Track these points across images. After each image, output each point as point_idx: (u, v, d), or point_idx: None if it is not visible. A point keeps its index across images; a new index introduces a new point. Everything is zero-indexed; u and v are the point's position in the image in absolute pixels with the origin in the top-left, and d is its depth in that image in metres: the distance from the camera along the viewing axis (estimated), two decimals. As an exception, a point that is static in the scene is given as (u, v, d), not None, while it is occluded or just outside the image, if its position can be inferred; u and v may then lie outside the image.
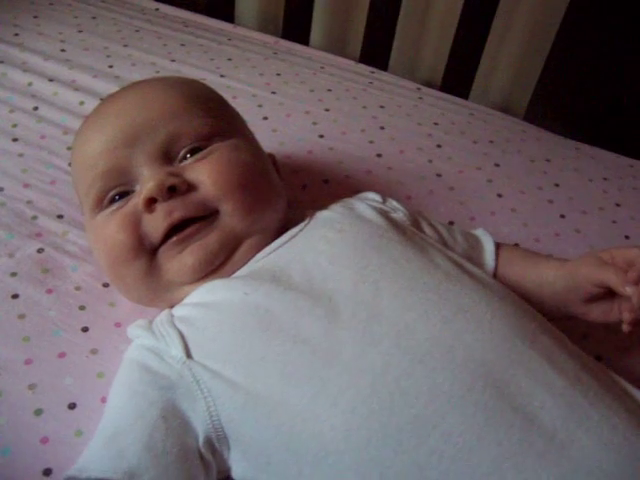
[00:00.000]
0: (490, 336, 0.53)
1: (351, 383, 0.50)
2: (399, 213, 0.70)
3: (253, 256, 0.63)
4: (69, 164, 0.86)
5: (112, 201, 0.63)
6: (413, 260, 0.59)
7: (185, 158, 0.63)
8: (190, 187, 0.61)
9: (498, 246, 0.72)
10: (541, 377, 0.51)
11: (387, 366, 0.51)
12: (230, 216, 0.62)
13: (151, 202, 0.60)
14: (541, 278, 0.68)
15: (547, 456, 0.47)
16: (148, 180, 0.61)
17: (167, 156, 0.63)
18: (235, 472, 0.55)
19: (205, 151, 0.63)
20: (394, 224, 0.65)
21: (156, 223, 0.60)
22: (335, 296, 0.56)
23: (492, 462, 0.46)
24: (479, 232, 0.75)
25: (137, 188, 0.62)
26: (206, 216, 0.61)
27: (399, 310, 0.54)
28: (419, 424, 0.48)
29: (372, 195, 0.73)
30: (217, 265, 0.62)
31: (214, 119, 0.66)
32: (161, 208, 0.60)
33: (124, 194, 0.62)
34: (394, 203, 0.71)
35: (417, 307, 0.54)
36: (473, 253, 0.70)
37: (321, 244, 0.61)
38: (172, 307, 0.63)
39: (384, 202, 0.71)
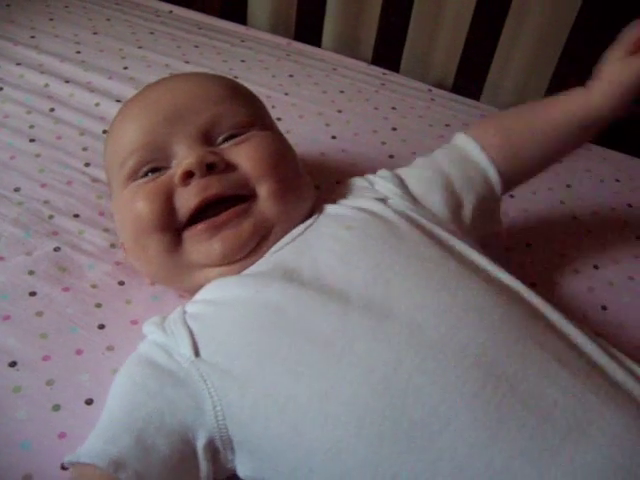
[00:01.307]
0: (502, 335, 0.53)
1: (363, 381, 0.50)
2: (396, 199, 0.66)
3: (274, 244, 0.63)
4: (86, 164, 0.88)
5: (146, 174, 0.63)
6: (424, 256, 0.59)
7: (223, 143, 0.64)
8: (228, 167, 0.62)
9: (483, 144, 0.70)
10: (553, 376, 0.50)
11: (399, 364, 0.50)
12: (265, 200, 0.62)
13: (188, 175, 0.61)
14: (559, 120, 0.68)
15: (561, 452, 0.47)
16: (186, 156, 0.61)
17: (206, 138, 0.64)
18: (241, 472, 0.55)
19: (243, 137, 0.65)
20: (402, 216, 0.64)
21: (189, 197, 0.61)
22: (346, 295, 0.56)
23: (505, 459, 0.46)
24: (459, 141, 0.72)
25: (173, 165, 0.63)
26: (240, 198, 0.62)
27: (411, 309, 0.54)
28: (432, 422, 0.48)
29: (360, 182, 0.70)
30: (245, 254, 0.62)
31: (253, 111, 0.68)
32: (196, 183, 0.61)
33: (159, 169, 0.63)
34: (379, 182, 0.69)
35: (429, 305, 0.54)
36: (472, 182, 0.69)
37: (331, 242, 0.61)
38: (188, 292, 0.64)
39: (372, 185, 0.69)
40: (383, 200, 0.66)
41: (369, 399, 0.50)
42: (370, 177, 0.71)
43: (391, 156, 0.94)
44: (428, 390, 0.49)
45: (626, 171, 0.97)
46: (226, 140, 0.65)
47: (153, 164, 0.63)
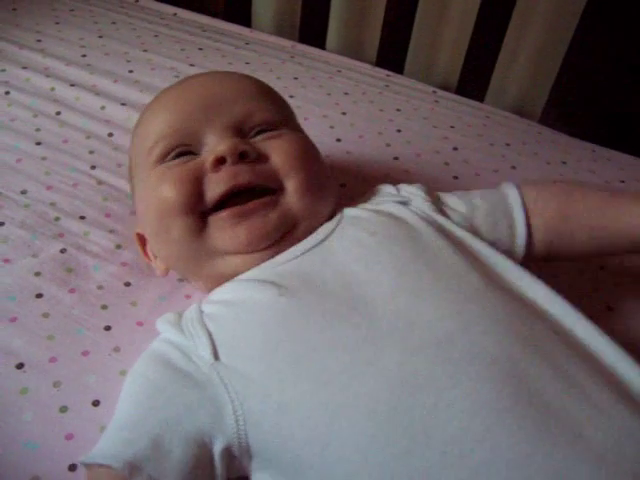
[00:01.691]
0: (530, 349, 0.51)
1: (390, 393, 0.49)
2: (419, 200, 0.66)
3: (300, 241, 0.62)
4: (92, 167, 0.88)
5: (176, 157, 0.64)
6: (450, 265, 0.57)
7: (255, 137, 0.65)
8: (259, 158, 0.63)
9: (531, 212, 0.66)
10: (579, 392, 0.49)
11: (430, 375, 0.49)
12: (292, 195, 0.62)
13: (220, 161, 0.61)
14: (624, 232, 0.62)
15: (576, 447, 0.45)
16: (219, 144, 0.62)
17: (239, 130, 0.65)
18: (257, 479, 0.54)
19: (275, 132, 0.66)
20: (424, 220, 0.63)
21: (218, 182, 0.61)
22: (372, 303, 0.54)
23: (544, 477, 0.45)
24: (503, 187, 0.69)
25: (204, 152, 0.64)
26: (268, 191, 0.62)
27: (439, 319, 0.53)
28: (464, 437, 0.46)
29: (387, 188, 0.71)
30: (270, 244, 0.61)
31: (284, 111, 0.70)
32: (226, 170, 0.61)
33: (189, 154, 0.64)
34: (408, 189, 0.69)
35: (457, 317, 0.53)
36: (500, 217, 0.66)
37: (355, 248, 0.60)
38: (205, 280, 0.64)
39: (399, 192, 0.69)
40: (405, 203, 0.66)
41: (397, 413, 0.48)
42: (399, 185, 0.71)
43: (396, 158, 0.94)
44: (460, 406, 0.47)
45: (631, 172, 0.97)
46: (258, 134, 0.65)
47: (185, 148, 0.64)
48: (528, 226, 0.66)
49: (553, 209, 0.67)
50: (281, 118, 0.68)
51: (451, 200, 0.70)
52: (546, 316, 0.56)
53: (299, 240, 0.62)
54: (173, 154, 0.64)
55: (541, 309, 0.56)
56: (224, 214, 0.61)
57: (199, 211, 0.61)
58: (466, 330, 0.52)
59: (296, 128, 0.71)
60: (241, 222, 0.60)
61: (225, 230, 0.61)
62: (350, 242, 0.61)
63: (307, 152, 0.66)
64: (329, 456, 0.49)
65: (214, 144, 0.63)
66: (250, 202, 0.61)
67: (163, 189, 0.62)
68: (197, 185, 0.61)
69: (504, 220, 0.67)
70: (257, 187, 0.62)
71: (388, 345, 0.51)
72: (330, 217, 0.66)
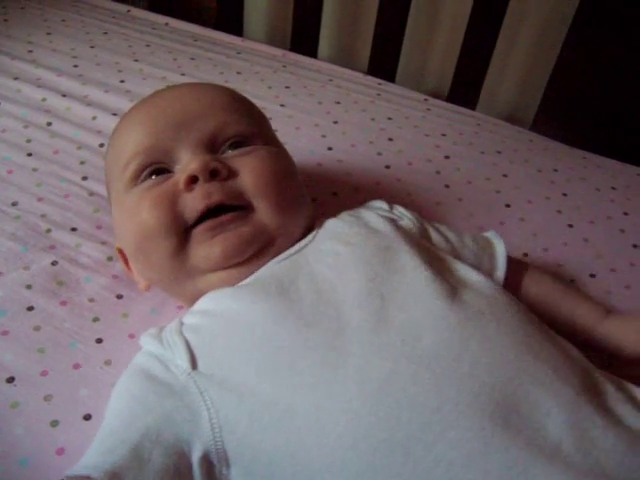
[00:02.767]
0: (496, 345, 0.53)
1: (358, 392, 0.51)
2: (406, 220, 0.70)
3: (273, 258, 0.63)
4: (83, 178, 0.88)
5: (149, 177, 0.64)
6: (420, 271, 0.59)
7: (227, 152, 0.65)
8: (231, 174, 0.63)
9: (518, 262, 0.74)
10: (547, 385, 0.51)
11: (393, 374, 0.51)
12: (264, 213, 0.63)
13: (192, 180, 0.62)
14: (574, 317, 0.70)
15: (555, 462, 0.47)
16: (190, 162, 0.62)
17: (211, 146, 0.65)
18: None
19: (247, 148, 0.66)
20: (402, 233, 0.66)
21: (194, 203, 0.62)
22: (342, 307, 0.56)
23: (501, 469, 0.47)
24: (490, 235, 0.75)
25: (176, 170, 0.64)
26: (240, 207, 0.63)
27: (406, 320, 0.55)
28: (427, 432, 0.48)
29: (379, 203, 0.74)
30: (245, 258, 0.62)
31: (257, 123, 0.70)
32: (200, 189, 0.62)
33: (162, 172, 0.64)
34: (401, 209, 0.72)
35: (423, 317, 0.55)
36: (484, 256, 0.71)
37: (329, 257, 0.62)
38: (186, 299, 0.65)
39: (391, 209, 0.72)
40: (394, 220, 0.68)
41: (364, 411, 0.50)
42: (394, 205, 0.73)
43: (387, 166, 0.94)
44: (422, 400, 0.49)
45: (622, 179, 0.97)
46: (230, 148, 0.66)
47: (157, 166, 0.64)
48: (506, 278, 0.70)
49: (525, 272, 0.73)
50: (254, 130, 0.68)
51: (442, 227, 0.73)
52: (518, 313, 0.59)
53: (275, 257, 0.63)
54: (146, 172, 0.64)
55: (516, 309, 0.59)
56: (200, 228, 0.62)
57: (180, 231, 0.62)
58: (433, 329, 0.54)
59: (270, 140, 0.71)
60: (216, 235, 0.61)
61: (203, 245, 0.62)
62: (324, 252, 0.63)
63: (277, 172, 0.65)
64: (300, 462, 0.50)
65: (186, 161, 0.63)
66: (223, 215, 0.62)
67: (141, 215, 0.62)
68: (174, 206, 0.62)
69: (487, 263, 0.71)
70: (229, 206, 0.62)
71: (355, 347, 0.53)
72: (308, 231, 0.67)
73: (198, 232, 0.62)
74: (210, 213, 0.62)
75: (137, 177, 0.65)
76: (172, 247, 0.62)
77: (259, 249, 0.63)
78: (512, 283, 0.71)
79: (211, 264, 0.62)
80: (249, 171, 0.63)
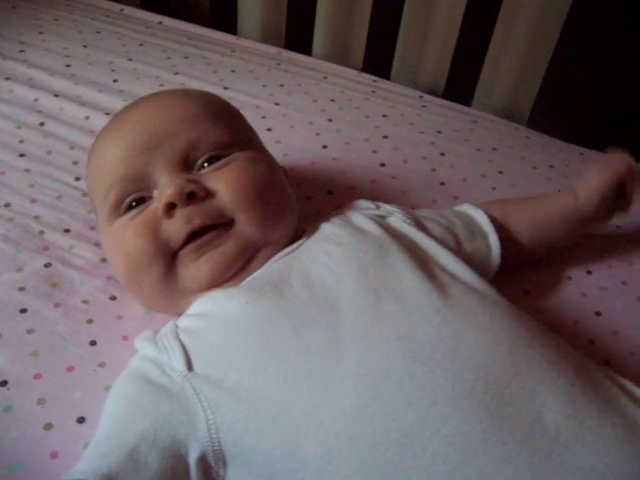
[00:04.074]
0: (490, 337, 0.54)
1: (353, 388, 0.51)
2: (396, 215, 0.69)
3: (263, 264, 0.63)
4: (76, 179, 0.87)
5: (130, 207, 0.64)
6: (412, 268, 0.59)
7: (203, 166, 0.64)
8: (208, 194, 0.62)
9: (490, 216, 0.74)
10: (541, 376, 0.51)
11: (388, 369, 0.51)
12: (246, 225, 0.63)
13: (171, 207, 0.61)
14: (554, 213, 0.74)
15: (552, 455, 0.47)
16: (167, 186, 0.62)
17: (186, 163, 0.64)
18: None
19: (223, 160, 0.65)
20: (391, 231, 0.65)
21: (177, 228, 0.61)
22: (336, 304, 0.56)
23: (498, 462, 0.47)
24: (466, 208, 0.75)
25: (155, 194, 0.63)
26: (224, 224, 0.62)
27: (400, 315, 0.55)
28: (423, 427, 0.48)
29: (364, 203, 0.73)
30: (233, 273, 0.62)
31: (232, 130, 0.68)
32: (180, 214, 0.61)
33: (141, 200, 0.64)
34: (387, 207, 0.71)
35: (417, 311, 0.55)
36: (475, 239, 0.71)
37: (322, 256, 0.62)
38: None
39: (377, 208, 0.71)
40: (383, 217, 0.68)
41: (360, 408, 0.50)
42: (378, 203, 0.73)
43: (383, 164, 0.94)
44: (418, 395, 0.49)
45: (618, 175, 0.97)
46: (208, 161, 0.65)
47: (136, 195, 0.64)
48: (501, 239, 0.71)
49: (496, 210, 0.75)
50: (230, 139, 0.66)
51: (429, 214, 0.73)
52: (510, 307, 0.60)
53: (265, 263, 0.63)
54: (126, 203, 0.64)
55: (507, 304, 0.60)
56: (185, 250, 0.62)
57: (167, 257, 0.62)
58: (426, 323, 0.54)
59: (247, 144, 0.69)
60: (201, 256, 0.62)
61: (189, 266, 0.62)
62: (317, 252, 0.63)
63: (255, 182, 0.64)
64: (297, 461, 0.50)
65: (162, 185, 0.63)
66: (205, 235, 0.62)
67: (127, 247, 0.63)
68: (157, 234, 0.62)
69: (478, 233, 0.72)
70: (211, 225, 0.62)
71: (350, 344, 0.53)
72: (297, 232, 0.67)
73: (184, 254, 0.62)
74: (195, 233, 0.62)
75: (117, 207, 0.64)
76: (161, 273, 0.62)
77: (246, 261, 0.63)
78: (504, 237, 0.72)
79: (200, 284, 0.62)
80: (226, 187, 0.63)
